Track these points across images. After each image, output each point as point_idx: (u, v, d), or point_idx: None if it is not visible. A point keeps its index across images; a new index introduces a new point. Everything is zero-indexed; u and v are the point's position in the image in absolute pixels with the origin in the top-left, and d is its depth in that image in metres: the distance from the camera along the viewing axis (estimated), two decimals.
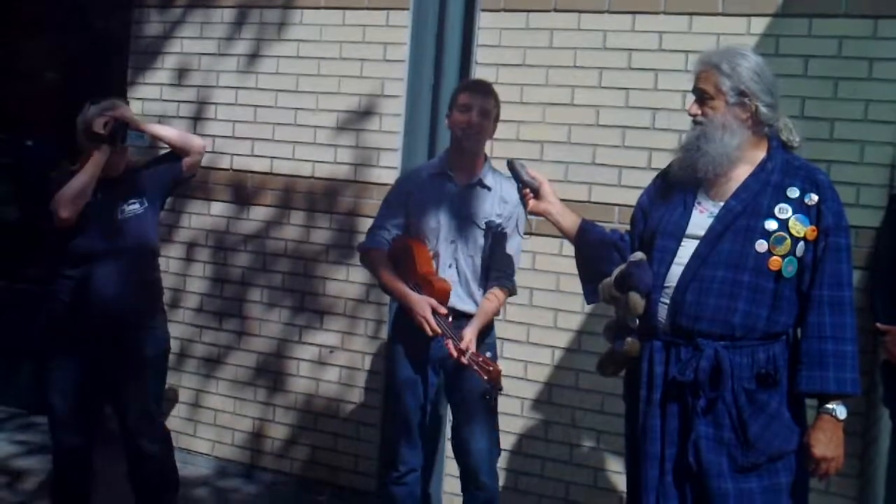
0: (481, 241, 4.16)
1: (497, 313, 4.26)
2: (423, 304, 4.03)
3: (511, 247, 4.21)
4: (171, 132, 4.66)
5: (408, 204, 4.27)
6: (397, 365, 4.28)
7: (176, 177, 4.63)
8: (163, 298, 4.76)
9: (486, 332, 4.20)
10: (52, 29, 7.06)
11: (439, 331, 4.00)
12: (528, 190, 3.62)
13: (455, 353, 3.95)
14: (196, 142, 4.67)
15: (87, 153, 4.37)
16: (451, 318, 4.07)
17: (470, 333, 4.01)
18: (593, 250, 3.49)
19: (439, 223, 4.20)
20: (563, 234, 3.66)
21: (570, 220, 3.57)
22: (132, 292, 4.42)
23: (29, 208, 7.28)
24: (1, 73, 7.18)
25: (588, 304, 3.63)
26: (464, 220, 4.18)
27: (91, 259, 4.38)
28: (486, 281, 4.21)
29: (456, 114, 4.18)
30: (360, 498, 5.40)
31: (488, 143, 4.35)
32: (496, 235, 4.17)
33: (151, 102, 5.82)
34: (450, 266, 4.19)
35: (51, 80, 7.24)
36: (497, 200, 4.20)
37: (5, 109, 7.29)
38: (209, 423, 5.78)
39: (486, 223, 4.16)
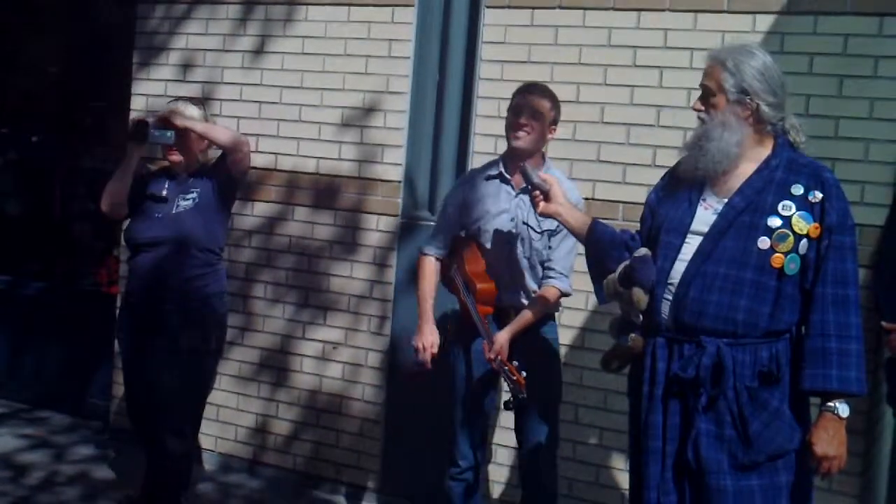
0: (537, 243, 4.17)
1: (547, 311, 4.24)
2: (426, 333, 4.28)
3: (565, 246, 4.21)
4: (210, 129, 4.61)
5: (462, 206, 4.34)
6: (457, 362, 4.36)
7: (225, 174, 4.63)
8: (217, 298, 4.68)
9: (536, 330, 4.22)
10: (56, 24, 7.07)
11: (428, 365, 4.27)
12: (537, 192, 3.61)
13: (487, 356, 4.06)
14: (231, 139, 4.60)
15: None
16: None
17: (501, 339, 4.07)
18: (604, 250, 3.47)
19: (494, 225, 4.22)
20: (574, 235, 3.66)
21: (580, 221, 3.55)
22: (168, 283, 4.53)
23: (33, 204, 7.30)
24: (5, 68, 7.19)
25: (599, 303, 3.61)
26: (519, 222, 4.19)
27: (141, 249, 4.60)
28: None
29: (509, 116, 4.22)
30: (363, 494, 5.41)
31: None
32: (552, 235, 4.19)
33: (156, 98, 5.82)
34: (505, 266, 4.22)
35: (55, 76, 7.25)
36: None
37: (9, 105, 7.30)
38: (212, 419, 5.78)
39: (542, 227, 4.17)
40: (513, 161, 4.23)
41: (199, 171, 4.69)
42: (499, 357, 4.02)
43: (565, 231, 4.08)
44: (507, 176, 4.26)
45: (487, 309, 4.19)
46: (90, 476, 5.49)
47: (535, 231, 4.19)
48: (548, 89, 4.30)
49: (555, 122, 4.26)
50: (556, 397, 4.37)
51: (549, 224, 4.14)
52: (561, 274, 4.20)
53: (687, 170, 3.29)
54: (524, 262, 4.21)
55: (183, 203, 4.60)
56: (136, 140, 4.58)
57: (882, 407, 4.52)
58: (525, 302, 4.23)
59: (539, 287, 4.24)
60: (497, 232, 4.22)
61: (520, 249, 4.21)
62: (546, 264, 4.22)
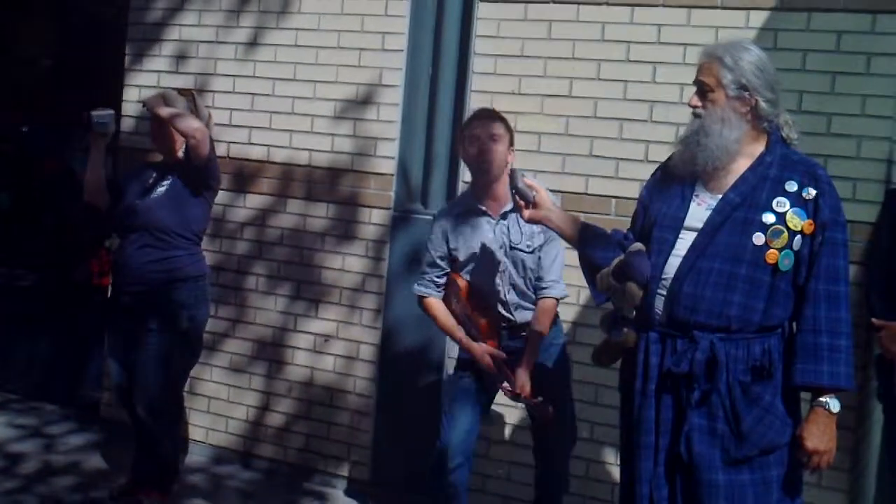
0: (529, 262, 4.19)
1: (550, 321, 4.25)
2: (482, 354, 4.17)
3: (551, 253, 4.23)
4: (174, 117, 4.73)
5: (448, 242, 4.32)
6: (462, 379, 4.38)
7: (189, 162, 4.78)
8: (191, 281, 4.84)
9: (545, 340, 4.26)
10: (49, 15, 7.05)
11: (494, 369, 4.17)
12: (519, 198, 3.58)
13: (510, 393, 4.13)
14: (187, 127, 4.70)
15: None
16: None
17: (522, 378, 4.12)
18: (597, 251, 3.45)
19: (486, 258, 4.23)
20: (565, 240, 3.64)
21: (570, 225, 3.53)
22: (140, 266, 4.77)
23: (24, 195, 7.28)
24: None
25: (596, 303, 3.59)
26: (509, 248, 4.21)
27: (123, 236, 4.88)
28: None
29: (467, 148, 4.22)
30: (354, 486, 5.42)
31: None
32: (540, 248, 4.23)
33: (149, 89, 5.80)
34: (508, 292, 4.23)
35: (47, 66, 7.23)
36: None
37: (1, 95, 7.28)
38: (204, 411, 5.79)
39: (528, 245, 4.20)
40: (483, 189, 4.24)
41: (178, 161, 4.88)
42: (522, 395, 4.08)
43: (549, 238, 4.16)
44: (482, 208, 4.26)
45: (493, 343, 4.22)
46: (82, 466, 5.49)
47: (526, 252, 4.20)
48: (495, 113, 4.29)
49: (511, 142, 4.26)
50: (570, 402, 4.44)
51: (538, 240, 4.19)
52: (553, 282, 4.22)
53: (682, 165, 3.29)
54: (521, 283, 4.23)
55: (158, 190, 4.85)
56: (87, 129, 4.87)
57: (871, 403, 4.54)
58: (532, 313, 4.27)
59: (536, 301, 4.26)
60: (488, 264, 4.23)
61: (514, 274, 4.22)
62: (538, 275, 4.23)
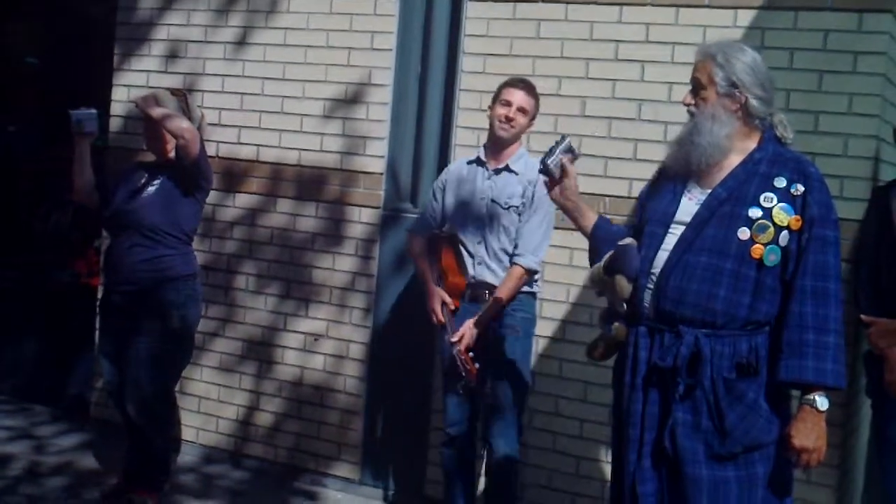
0: (506, 221, 4.40)
1: (515, 289, 4.41)
2: (434, 298, 4.53)
3: (533, 223, 4.42)
4: (164, 116, 4.73)
5: (444, 190, 4.64)
6: (441, 338, 4.62)
7: (179, 161, 4.77)
8: (181, 281, 4.83)
9: (502, 313, 4.44)
10: (37, 14, 7.04)
11: (444, 321, 4.47)
12: (544, 174, 3.51)
13: (449, 340, 4.40)
14: (176, 127, 4.70)
15: None
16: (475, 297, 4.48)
17: (464, 330, 4.38)
18: (604, 245, 3.47)
19: (468, 204, 4.50)
20: (580, 231, 3.57)
21: (588, 218, 3.51)
22: (131, 265, 4.77)
23: (12, 195, 7.26)
24: None
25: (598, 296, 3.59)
26: (490, 201, 4.45)
27: (112, 235, 4.94)
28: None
29: (497, 107, 4.45)
30: (344, 485, 5.42)
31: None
32: (519, 212, 4.43)
33: (138, 89, 5.79)
34: (479, 242, 4.48)
35: (36, 66, 7.22)
36: (524, 183, 4.43)
37: None
38: (194, 410, 5.79)
39: (508, 204, 4.42)
40: (493, 146, 4.51)
41: (170, 161, 4.87)
42: (458, 346, 4.32)
43: (534, 208, 4.38)
44: (484, 160, 4.53)
45: (455, 302, 4.49)
46: (73, 466, 5.48)
47: (502, 208, 4.43)
48: (534, 86, 4.52)
49: (535, 116, 4.53)
50: (521, 390, 4.50)
51: (516, 201, 4.42)
52: (525, 252, 4.40)
53: (676, 164, 3.31)
54: (494, 241, 4.44)
55: (149, 190, 4.85)
56: (71, 130, 4.84)
57: (860, 399, 4.56)
58: (495, 282, 4.43)
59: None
60: (469, 212, 4.49)
61: (489, 227, 4.44)
62: (515, 244, 4.43)
